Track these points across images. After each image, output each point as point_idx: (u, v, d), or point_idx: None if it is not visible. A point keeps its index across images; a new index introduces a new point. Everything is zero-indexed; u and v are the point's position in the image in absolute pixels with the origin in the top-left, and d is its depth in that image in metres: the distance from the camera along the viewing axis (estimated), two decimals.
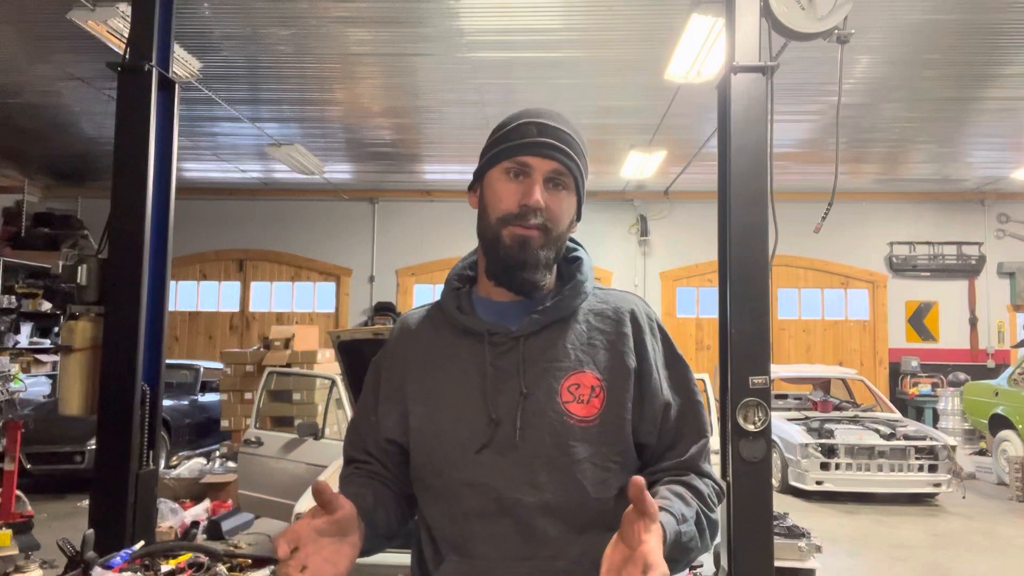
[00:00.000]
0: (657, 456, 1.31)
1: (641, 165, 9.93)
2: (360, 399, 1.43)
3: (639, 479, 1.02)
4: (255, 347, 9.09)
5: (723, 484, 1.34)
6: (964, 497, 7.70)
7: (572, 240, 1.41)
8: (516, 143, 1.28)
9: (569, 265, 1.38)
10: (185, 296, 12.69)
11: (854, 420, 8.31)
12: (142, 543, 3.39)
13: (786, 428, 7.99)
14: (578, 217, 1.37)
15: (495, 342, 1.28)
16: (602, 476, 1.24)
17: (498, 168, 1.30)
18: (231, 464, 7.31)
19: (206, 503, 6.44)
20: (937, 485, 7.53)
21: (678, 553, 1.16)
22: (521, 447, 1.22)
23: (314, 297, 12.71)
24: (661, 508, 1.14)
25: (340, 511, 1.10)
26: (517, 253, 1.26)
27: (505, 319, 1.31)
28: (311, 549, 1.06)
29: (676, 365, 1.36)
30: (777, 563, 3.73)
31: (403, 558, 3.94)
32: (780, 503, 6.70)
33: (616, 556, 1.03)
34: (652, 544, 1.01)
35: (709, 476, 1.31)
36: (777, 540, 4.02)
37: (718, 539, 3.98)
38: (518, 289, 1.30)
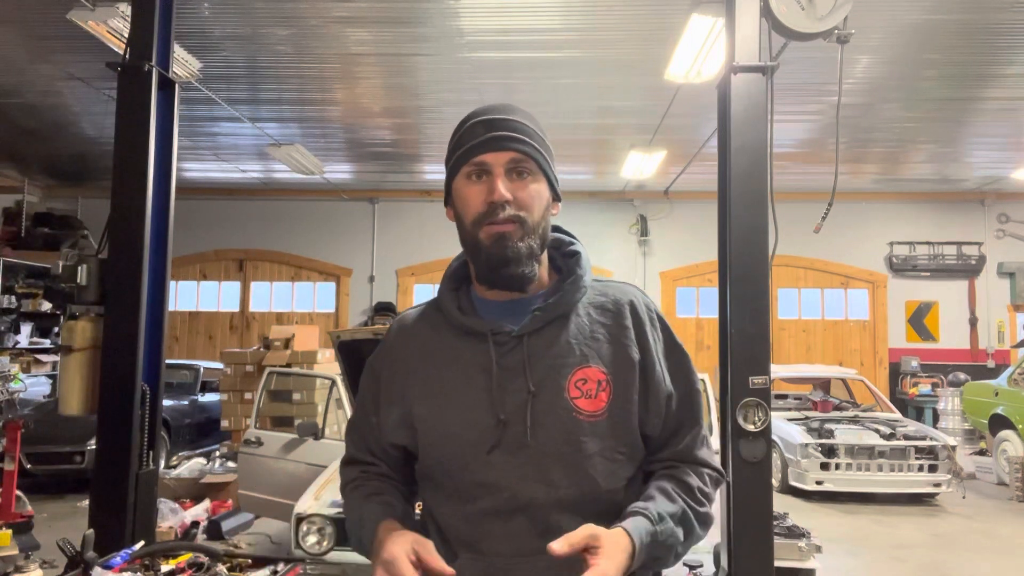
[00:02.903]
0: (659, 446, 1.34)
1: (641, 165, 9.92)
2: (358, 400, 1.45)
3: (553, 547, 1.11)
4: (255, 347, 9.08)
5: (721, 469, 1.37)
6: (964, 497, 7.70)
7: (568, 234, 1.43)
8: (468, 146, 1.29)
9: (567, 260, 1.38)
10: (185, 296, 12.69)
11: (854, 420, 8.30)
12: (142, 543, 3.39)
13: (786, 428, 7.98)
14: (556, 198, 1.35)
15: (498, 341, 1.29)
16: (611, 468, 1.27)
17: (460, 175, 1.31)
18: (231, 464, 7.31)
19: (206, 503, 6.44)
20: (937, 485, 7.52)
21: (659, 551, 1.22)
22: (532, 446, 1.24)
23: (314, 297, 12.71)
24: (638, 512, 1.22)
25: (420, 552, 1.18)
26: (498, 251, 1.26)
27: (505, 318, 1.31)
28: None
29: (675, 354, 1.37)
30: (777, 563, 3.73)
31: None
32: (780, 503, 6.70)
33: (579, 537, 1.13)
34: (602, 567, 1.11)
35: (705, 464, 1.34)
36: (777, 540, 4.01)
37: (718, 539, 3.98)
38: (508, 285, 1.29)
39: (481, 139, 1.28)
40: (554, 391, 1.25)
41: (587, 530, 1.13)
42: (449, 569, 1.14)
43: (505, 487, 1.24)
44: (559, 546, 1.10)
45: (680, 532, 1.25)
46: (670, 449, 1.34)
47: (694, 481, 1.31)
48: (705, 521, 1.30)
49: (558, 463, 1.24)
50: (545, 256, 1.35)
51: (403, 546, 1.17)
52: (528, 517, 1.24)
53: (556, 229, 1.40)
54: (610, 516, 1.22)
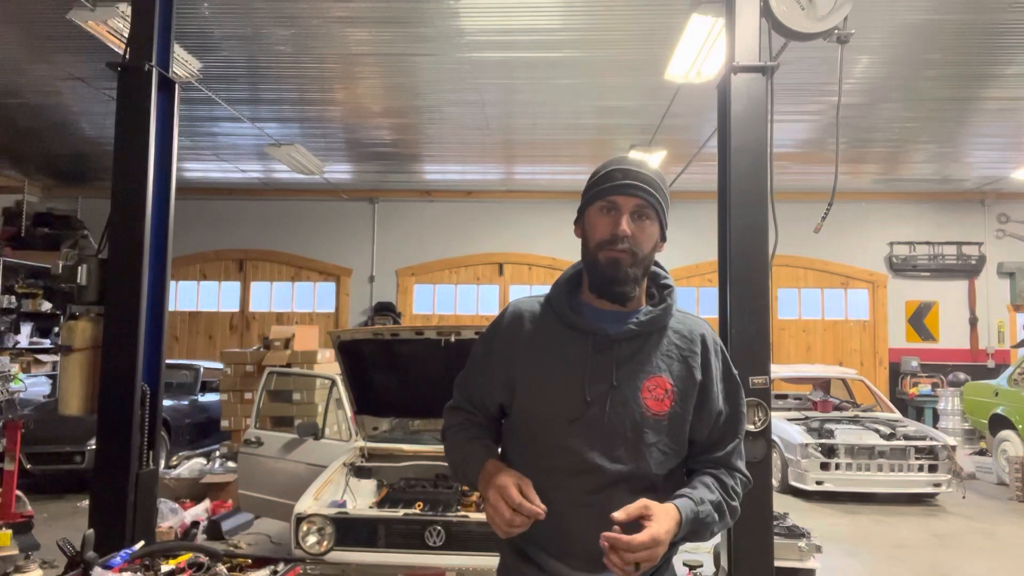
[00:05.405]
0: (703, 449, 1.67)
1: None
2: (469, 362, 1.79)
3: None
4: (255, 347, 9.08)
5: (749, 476, 1.72)
6: (964, 497, 7.70)
7: (664, 269, 1.74)
8: (606, 186, 1.61)
9: (661, 290, 1.71)
10: (185, 296, 12.69)
11: (854, 420, 8.30)
12: (142, 543, 3.39)
13: (786, 428, 7.98)
14: (663, 238, 1.67)
15: (597, 341, 1.61)
16: (661, 458, 1.60)
17: (594, 207, 1.64)
18: (231, 464, 7.30)
19: (206, 503, 6.44)
20: (937, 485, 7.52)
21: (699, 527, 1.55)
22: (606, 426, 1.57)
23: (314, 297, 12.71)
24: (684, 495, 1.55)
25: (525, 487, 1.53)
26: (611, 271, 1.60)
27: (604, 323, 1.63)
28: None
29: (730, 381, 1.70)
30: (777, 563, 3.73)
31: (403, 558, 3.92)
32: (780, 503, 6.70)
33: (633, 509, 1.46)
34: (641, 537, 1.43)
35: (739, 471, 1.69)
36: (777, 540, 4.01)
37: (718, 539, 3.99)
38: (613, 298, 1.62)
39: (617, 183, 1.60)
40: (631, 389, 1.58)
41: (641, 503, 1.46)
42: (540, 510, 1.47)
43: (578, 452, 1.56)
44: (620, 514, 1.43)
45: (716, 516, 1.57)
46: (713, 454, 1.67)
47: (729, 481, 1.65)
48: (734, 513, 1.64)
49: (623, 444, 1.57)
50: (644, 282, 1.67)
51: (513, 478, 1.52)
52: (590, 478, 1.56)
53: (655, 264, 1.71)
54: (650, 494, 1.52)
